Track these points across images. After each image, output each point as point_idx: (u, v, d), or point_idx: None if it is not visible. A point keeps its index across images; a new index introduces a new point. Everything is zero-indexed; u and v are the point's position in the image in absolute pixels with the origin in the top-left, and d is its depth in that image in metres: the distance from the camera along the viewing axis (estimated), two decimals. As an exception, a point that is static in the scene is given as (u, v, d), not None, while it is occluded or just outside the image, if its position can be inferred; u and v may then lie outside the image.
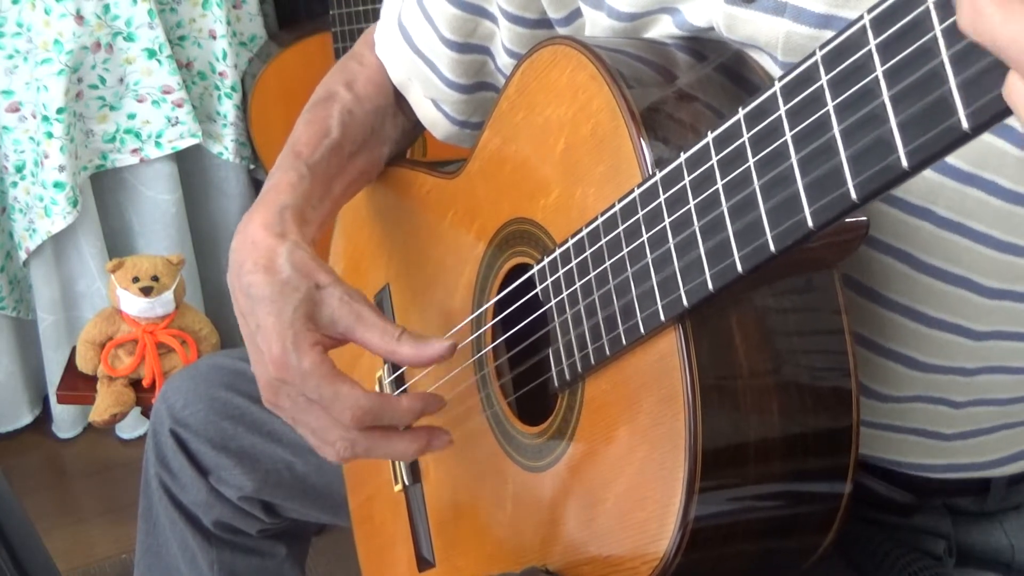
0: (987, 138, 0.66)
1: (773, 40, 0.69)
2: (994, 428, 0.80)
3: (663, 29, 0.77)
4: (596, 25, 0.81)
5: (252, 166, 2.26)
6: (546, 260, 0.76)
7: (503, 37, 0.90)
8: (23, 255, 2.07)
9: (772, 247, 0.56)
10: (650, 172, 0.66)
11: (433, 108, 0.99)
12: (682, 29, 0.75)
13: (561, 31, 0.87)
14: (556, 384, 0.77)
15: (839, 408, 0.68)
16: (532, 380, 0.82)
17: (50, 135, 1.95)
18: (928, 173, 0.68)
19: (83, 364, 1.94)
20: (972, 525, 0.85)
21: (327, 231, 0.97)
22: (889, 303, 0.74)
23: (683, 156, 0.61)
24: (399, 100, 1.00)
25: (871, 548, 0.83)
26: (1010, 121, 0.65)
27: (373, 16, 2.01)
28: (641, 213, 0.65)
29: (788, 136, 0.54)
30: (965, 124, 0.44)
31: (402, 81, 0.99)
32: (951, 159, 0.68)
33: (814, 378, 0.67)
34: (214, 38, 2.13)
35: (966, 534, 0.85)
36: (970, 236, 0.70)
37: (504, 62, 0.92)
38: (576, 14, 0.85)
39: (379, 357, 1.02)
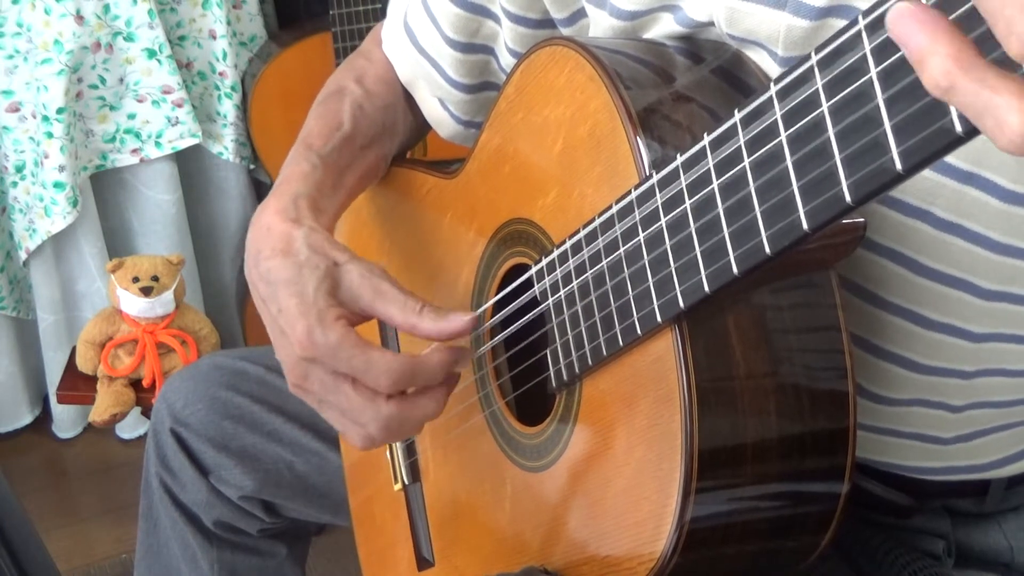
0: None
1: (774, 34, 0.69)
2: (992, 430, 0.80)
3: (664, 27, 0.77)
4: (598, 24, 0.82)
5: (252, 166, 2.26)
6: (544, 261, 0.76)
7: (506, 37, 0.90)
8: (23, 255, 2.07)
9: (767, 249, 0.56)
10: (647, 173, 0.66)
11: (439, 107, 1.00)
12: (683, 25, 0.75)
13: (564, 31, 0.87)
14: (554, 384, 0.77)
15: (836, 408, 0.68)
16: (530, 380, 0.83)
17: (50, 135, 1.95)
18: (927, 173, 0.68)
19: (83, 364, 1.94)
20: (971, 526, 0.85)
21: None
22: (888, 305, 0.74)
23: (679, 158, 0.62)
24: (408, 98, 1.01)
25: (870, 548, 0.84)
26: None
27: (373, 16, 2.01)
28: (638, 214, 0.65)
29: (783, 138, 0.54)
30: (958, 127, 0.44)
31: (408, 79, 0.99)
32: (950, 158, 0.68)
33: (811, 378, 0.67)
34: (214, 38, 2.13)
35: (965, 535, 0.85)
36: (968, 238, 0.70)
37: (507, 62, 0.92)
38: (579, 15, 0.85)
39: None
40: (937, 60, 0.42)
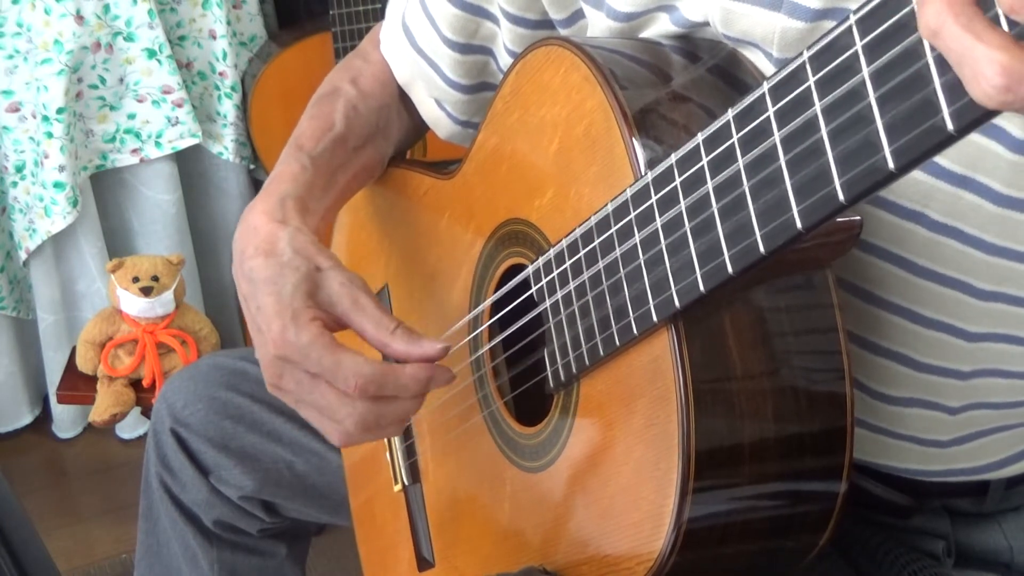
0: (980, 140, 0.67)
1: (769, 35, 0.69)
2: (990, 432, 0.80)
3: (660, 27, 0.77)
4: (595, 26, 0.82)
5: (252, 166, 2.26)
6: (541, 261, 0.76)
7: (504, 38, 0.90)
8: (23, 255, 2.07)
9: (762, 248, 0.56)
10: (642, 173, 0.66)
11: (436, 107, 1.00)
12: (679, 26, 0.75)
13: (562, 32, 0.87)
14: (552, 384, 0.77)
15: (834, 407, 0.68)
16: (528, 380, 0.83)
17: (50, 135, 1.95)
18: (921, 176, 0.69)
19: (83, 364, 1.94)
20: (971, 526, 0.85)
21: (328, 228, 0.97)
22: (885, 304, 0.74)
23: (674, 157, 0.62)
24: (404, 99, 1.01)
25: (870, 548, 0.84)
26: (1000, 122, 0.65)
27: (373, 16, 2.01)
28: (633, 214, 0.65)
29: (776, 137, 0.54)
30: (950, 125, 0.44)
31: (406, 80, 0.99)
32: (944, 161, 0.68)
33: (808, 378, 0.67)
34: (214, 38, 2.13)
35: (965, 535, 0.85)
36: (962, 240, 0.70)
37: (506, 62, 0.92)
38: (578, 15, 0.85)
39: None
40: (933, 2, 0.42)
